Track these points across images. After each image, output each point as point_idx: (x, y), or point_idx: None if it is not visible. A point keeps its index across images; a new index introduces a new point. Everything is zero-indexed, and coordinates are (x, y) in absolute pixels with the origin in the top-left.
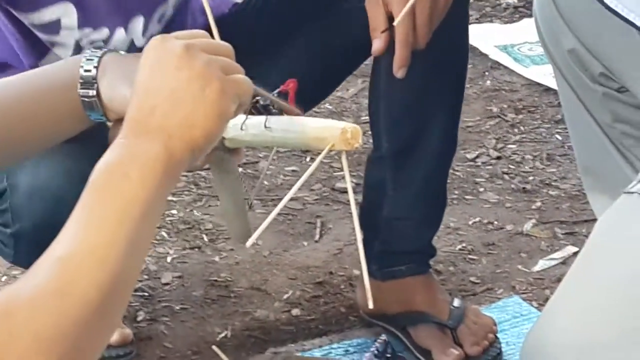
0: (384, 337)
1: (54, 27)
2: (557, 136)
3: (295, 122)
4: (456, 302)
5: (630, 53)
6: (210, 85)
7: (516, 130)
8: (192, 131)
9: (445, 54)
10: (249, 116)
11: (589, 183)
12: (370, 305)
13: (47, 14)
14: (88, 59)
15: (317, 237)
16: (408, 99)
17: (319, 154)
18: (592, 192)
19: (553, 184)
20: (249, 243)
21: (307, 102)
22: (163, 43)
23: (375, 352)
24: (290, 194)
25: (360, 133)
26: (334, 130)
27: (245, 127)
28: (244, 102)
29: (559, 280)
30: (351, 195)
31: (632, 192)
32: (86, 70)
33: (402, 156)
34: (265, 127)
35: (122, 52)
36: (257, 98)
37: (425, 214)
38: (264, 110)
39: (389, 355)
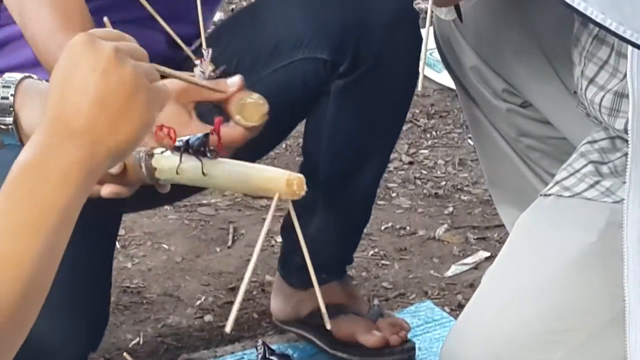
0: (259, 341)
1: None
2: (469, 141)
3: (236, 171)
4: (375, 301)
5: (533, 68)
6: (138, 94)
7: (428, 135)
8: (118, 139)
9: (395, 93)
10: (183, 157)
11: (497, 195)
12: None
13: None
14: (4, 86)
15: (229, 242)
16: (352, 136)
17: None
18: (501, 204)
19: (465, 189)
20: (227, 328)
21: (261, 149)
22: (91, 43)
23: (262, 357)
24: (256, 250)
25: (304, 182)
26: (279, 182)
27: (180, 171)
28: (162, 109)
29: (471, 285)
30: (302, 242)
31: (549, 195)
32: (3, 98)
33: (336, 186)
34: (203, 173)
35: (36, 77)
36: (188, 138)
37: (350, 236)
38: (196, 151)
39: (272, 355)
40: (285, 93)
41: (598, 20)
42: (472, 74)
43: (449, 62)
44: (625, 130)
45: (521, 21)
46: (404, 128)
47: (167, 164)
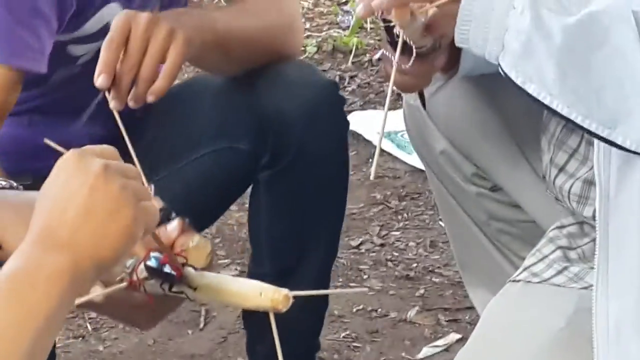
0: None
1: (102, 33)
2: (440, 223)
3: (221, 299)
4: None
5: (502, 152)
6: (124, 210)
7: (400, 217)
8: (101, 251)
9: (325, 181)
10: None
11: (468, 278)
12: None
13: (93, 25)
14: None
15: (201, 325)
16: (289, 225)
17: None
18: (471, 286)
19: (436, 270)
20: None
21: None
22: (81, 159)
23: None
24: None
25: (289, 297)
26: (264, 304)
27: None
28: (150, 228)
29: None
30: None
31: (518, 280)
32: None
33: (284, 275)
34: (190, 299)
35: (10, 187)
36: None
37: (310, 323)
38: (165, 276)
39: None
40: (211, 180)
41: (563, 113)
42: (442, 158)
43: (418, 146)
44: (594, 218)
45: (490, 105)
46: (376, 210)
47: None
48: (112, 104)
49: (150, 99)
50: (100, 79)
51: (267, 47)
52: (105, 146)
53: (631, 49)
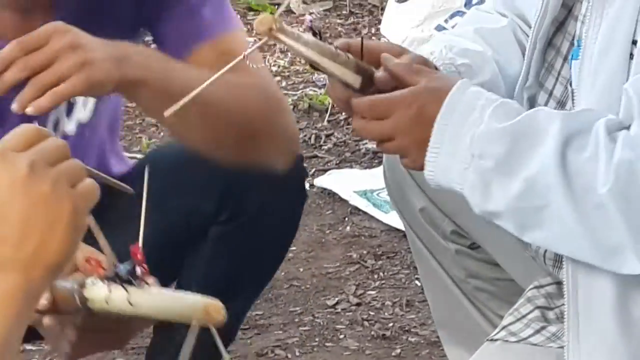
0: None
1: None
2: (417, 282)
3: (159, 299)
4: None
5: None
6: (63, 208)
7: (376, 276)
8: (49, 256)
9: (269, 249)
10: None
11: (445, 336)
12: None
13: None
14: None
15: None
16: (226, 277)
17: None
18: (449, 345)
19: (412, 330)
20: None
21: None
22: (3, 162)
23: None
24: None
25: (222, 309)
26: (197, 308)
27: (109, 301)
28: (92, 205)
29: None
30: None
31: (496, 339)
32: None
33: None
34: (130, 303)
35: None
36: (117, 268)
37: None
38: (125, 281)
39: None
40: (170, 234)
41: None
42: (422, 215)
43: (398, 203)
44: None
45: None
46: (352, 269)
47: (98, 295)
48: None
49: (29, 109)
50: None
51: (241, 113)
52: (22, 129)
53: (569, 210)
